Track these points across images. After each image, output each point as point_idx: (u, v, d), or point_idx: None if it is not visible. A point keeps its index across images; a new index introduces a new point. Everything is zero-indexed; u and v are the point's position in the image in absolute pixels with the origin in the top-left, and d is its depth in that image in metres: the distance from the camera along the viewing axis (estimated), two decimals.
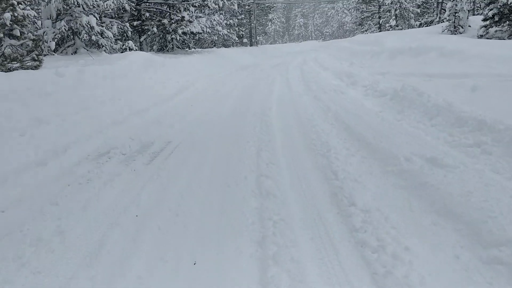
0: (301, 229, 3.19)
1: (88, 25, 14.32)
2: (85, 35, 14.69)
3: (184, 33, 22.36)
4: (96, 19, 14.85)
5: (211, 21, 26.22)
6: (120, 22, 17.42)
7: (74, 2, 13.80)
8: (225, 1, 26.23)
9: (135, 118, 7.96)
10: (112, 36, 15.59)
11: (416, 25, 30.81)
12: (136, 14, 21.54)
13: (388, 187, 3.85)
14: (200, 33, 23.21)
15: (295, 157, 5.12)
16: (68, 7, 14.21)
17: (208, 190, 4.19)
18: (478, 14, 25.15)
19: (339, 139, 5.71)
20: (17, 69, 9.14)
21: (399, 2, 31.64)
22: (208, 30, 24.16)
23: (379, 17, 39.23)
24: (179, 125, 7.37)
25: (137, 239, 3.20)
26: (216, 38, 31.24)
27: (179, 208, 3.74)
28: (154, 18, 22.44)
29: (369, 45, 19.75)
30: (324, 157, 4.91)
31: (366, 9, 42.74)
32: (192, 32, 22.47)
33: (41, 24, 14.58)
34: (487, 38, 15.06)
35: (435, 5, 32.82)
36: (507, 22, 14.81)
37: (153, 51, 22.98)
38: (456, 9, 17.26)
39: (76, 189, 4.37)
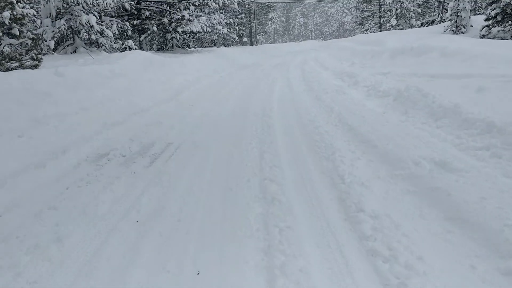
0: (308, 236, 3.07)
1: (88, 24, 14.20)
2: (85, 34, 14.57)
3: (184, 32, 22.23)
4: (96, 18, 14.73)
5: (211, 20, 26.10)
6: (120, 21, 17.30)
7: (73, 0, 13.68)
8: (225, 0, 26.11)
9: (135, 118, 7.84)
10: (112, 35, 15.47)
11: (418, 24, 30.70)
12: (136, 13, 21.41)
13: (397, 192, 3.73)
14: (200, 32, 23.09)
15: (298, 159, 5.00)
16: (67, 6, 14.08)
17: (210, 194, 4.07)
18: (479, 14, 25.05)
19: (344, 141, 5.59)
20: (15, 69, 9.02)
21: (400, 1, 31.54)
22: (208, 29, 24.04)
23: (380, 17, 39.12)
24: (180, 126, 7.25)
25: (137, 246, 3.08)
26: (216, 37, 31.15)
27: (180, 213, 3.63)
28: (154, 17, 22.31)
29: (370, 45, 19.64)
30: (329, 160, 4.80)
31: (367, 8, 42.62)
32: (192, 31, 22.34)
33: (41, 23, 14.48)
34: (490, 38, 14.95)
35: (436, 5, 32.72)
36: (510, 22, 14.69)
37: (153, 50, 22.85)
38: (458, 9, 17.15)
39: (75, 193, 4.25)
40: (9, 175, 4.54)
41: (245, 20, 42.56)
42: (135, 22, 21.29)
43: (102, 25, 15.27)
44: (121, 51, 16.05)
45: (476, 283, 2.47)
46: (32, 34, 10.47)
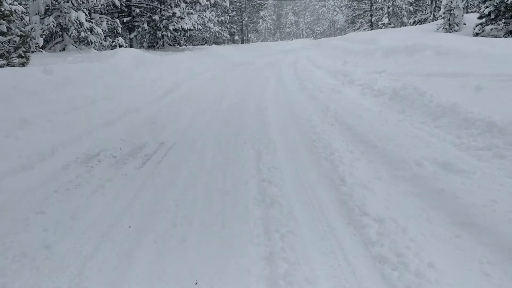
0: (311, 242, 2.91)
1: (77, 21, 13.94)
2: (74, 31, 14.31)
3: (175, 29, 22.00)
4: (86, 15, 14.48)
5: (202, 17, 25.89)
6: (110, 18, 17.03)
7: None
8: None
9: (126, 117, 7.64)
10: (102, 33, 15.23)
11: (410, 23, 30.72)
12: (126, 10, 21.13)
13: (399, 194, 3.60)
14: (192, 29, 22.88)
15: (297, 160, 4.86)
16: (56, 3, 13.82)
17: (207, 197, 3.90)
18: (470, 12, 25.10)
19: (342, 140, 5.45)
20: (3, 66, 8.78)
21: None
22: (199, 27, 23.84)
23: (371, 15, 39.14)
24: (172, 125, 7.07)
25: (131, 254, 2.91)
26: (208, 35, 30.92)
27: (175, 218, 3.46)
28: (144, 14, 22.06)
29: (363, 43, 19.56)
30: (327, 161, 4.65)
31: (358, 6, 42.63)
32: (183, 29, 22.13)
33: (29, 20, 14.17)
34: (483, 36, 14.93)
35: (427, 3, 32.78)
36: (503, 20, 14.68)
37: (143, 48, 22.58)
38: (451, 7, 17.13)
39: (64, 196, 4.06)
40: None
41: (236, 18, 42.36)
42: (125, 19, 21.02)
43: (92, 22, 15.02)
44: (111, 49, 15.80)
45: None
46: (20, 31, 10.24)
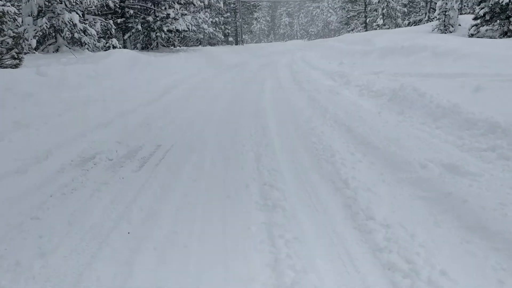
0: (317, 248, 2.82)
1: (71, 22, 13.79)
2: (68, 32, 14.16)
3: (169, 31, 21.87)
4: (79, 16, 14.33)
5: (196, 19, 25.77)
6: (104, 20, 16.88)
7: None
8: None
9: (122, 119, 7.52)
10: (96, 34, 15.10)
11: (405, 24, 30.79)
12: (120, 11, 20.98)
13: (405, 198, 3.51)
14: (186, 31, 22.76)
15: (297, 162, 4.76)
16: (49, 4, 13.68)
17: (207, 201, 3.80)
18: (465, 13, 25.17)
19: (342, 142, 5.37)
20: None
21: (386, 1, 31.56)
22: (193, 28, 23.72)
23: (366, 16, 39.18)
24: (169, 127, 6.96)
25: (131, 262, 2.80)
26: (202, 36, 30.80)
27: (175, 223, 3.35)
28: (138, 15, 21.91)
29: (358, 44, 19.54)
30: (329, 163, 4.57)
31: (352, 8, 42.67)
32: (177, 30, 22.00)
33: (22, 21, 14.00)
34: (478, 37, 14.95)
35: (421, 4, 32.89)
36: (498, 21, 14.70)
37: (137, 49, 22.43)
38: (446, 8, 17.14)
39: (60, 201, 3.94)
40: None
41: (230, 20, 42.29)
42: (119, 20, 20.86)
43: (85, 24, 14.87)
44: (105, 50, 15.65)
45: None
46: (13, 33, 10.08)
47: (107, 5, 16.81)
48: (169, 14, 21.31)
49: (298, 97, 9.56)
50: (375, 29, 32.61)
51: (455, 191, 3.31)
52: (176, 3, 22.10)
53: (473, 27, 15.56)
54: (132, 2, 21.91)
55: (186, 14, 23.05)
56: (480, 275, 2.44)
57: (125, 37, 21.92)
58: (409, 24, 29.83)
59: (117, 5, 19.01)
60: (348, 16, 44.51)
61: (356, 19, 42.64)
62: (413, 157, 4.20)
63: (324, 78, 12.72)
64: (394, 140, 5.03)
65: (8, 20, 10.23)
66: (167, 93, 10.88)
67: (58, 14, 13.74)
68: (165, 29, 21.47)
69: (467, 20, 17.58)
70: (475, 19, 15.53)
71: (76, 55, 12.69)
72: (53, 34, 14.46)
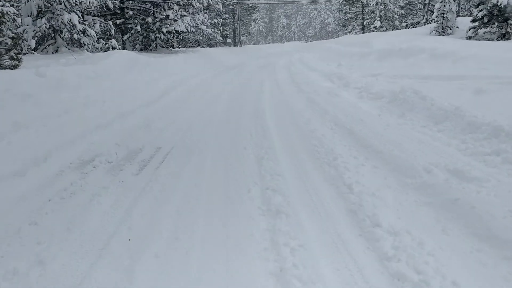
0: (323, 257, 2.75)
1: (70, 23, 13.71)
2: (67, 33, 14.07)
3: (168, 32, 21.80)
4: (78, 16, 14.24)
5: (195, 20, 25.73)
6: (103, 20, 16.80)
7: None
8: (209, 0, 25.78)
9: (121, 121, 7.44)
10: (95, 35, 15.01)
11: (402, 26, 30.79)
12: (119, 12, 20.90)
13: (411, 204, 3.45)
14: (185, 32, 22.70)
15: (299, 166, 4.70)
16: (49, 4, 13.58)
17: (209, 206, 3.73)
18: (462, 15, 25.20)
19: (344, 145, 5.31)
20: None
21: (384, 3, 31.57)
22: (192, 29, 23.66)
23: (363, 18, 39.18)
24: (169, 129, 6.89)
25: (132, 270, 2.73)
26: (201, 38, 30.74)
27: (177, 229, 3.28)
28: (137, 16, 21.83)
29: (356, 46, 19.50)
30: (331, 167, 4.51)
31: (349, 10, 42.65)
32: (176, 31, 21.94)
33: (21, 22, 13.93)
34: (476, 40, 14.94)
35: (418, 7, 32.91)
36: (496, 23, 14.69)
37: (136, 50, 22.33)
38: (444, 10, 17.14)
39: (59, 205, 3.87)
40: None
41: (229, 21, 42.22)
42: (118, 21, 20.77)
43: (85, 24, 14.79)
44: (104, 51, 15.57)
45: None
46: (12, 33, 9.99)
47: (107, 6, 16.72)
48: (168, 15, 21.24)
49: (297, 99, 9.51)
50: (373, 31, 32.60)
51: (462, 197, 3.25)
52: (175, 4, 22.03)
53: (471, 30, 15.56)
54: (132, 3, 21.83)
55: (185, 16, 22.99)
56: (493, 286, 2.37)
57: (124, 38, 21.83)
58: (406, 26, 29.82)
59: (116, 6, 18.92)
60: (346, 18, 44.51)
61: (354, 21, 42.63)
62: (417, 162, 4.15)
63: (323, 79, 12.68)
64: (396, 143, 4.98)
65: (7, 21, 10.15)
66: (166, 94, 10.80)
67: (58, 14, 13.65)
68: (164, 30, 21.40)
69: (465, 22, 17.58)
70: (473, 21, 15.53)
71: (76, 56, 12.60)
72: (53, 34, 14.37)
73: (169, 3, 21.68)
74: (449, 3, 17.13)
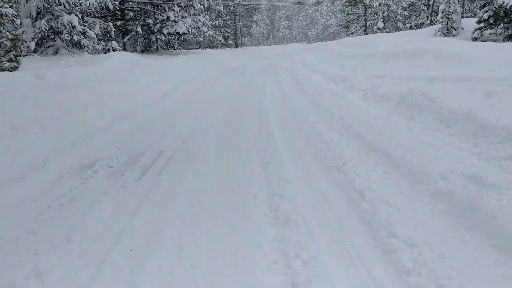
0: (338, 271, 2.58)
1: (70, 25, 13.58)
2: (67, 34, 13.93)
3: (169, 33, 21.67)
4: (78, 18, 14.11)
5: (196, 21, 25.60)
6: (103, 22, 16.67)
7: (55, 0, 13.04)
8: (210, 1, 25.65)
9: (122, 124, 7.29)
10: (95, 36, 14.88)
11: (407, 27, 30.61)
12: (119, 13, 20.77)
13: (427, 212, 3.28)
14: (186, 33, 22.58)
15: (306, 172, 4.53)
16: (48, 6, 13.45)
17: (214, 214, 3.57)
18: (466, 17, 25.03)
19: (352, 149, 5.15)
20: None
21: (387, 4, 31.42)
22: (193, 30, 23.52)
23: (365, 20, 39.00)
24: (171, 132, 6.74)
25: (134, 283, 2.57)
26: (202, 39, 30.61)
27: (181, 239, 3.12)
28: (138, 18, 21.71)
29: (360, 47, 19.33)
30: (340, 172, 4.34)
31: (352, 11, 42.46)
32: (177, 33, 21.81)
33: (20, 23, 13.78)
34: (482, 41, 14.76)
35: (421, 8, 32.75)
36: (502, 24, 14.51)
37: (137, 51, 22.21)
38: (449, 11, 16.95)
39: (58, 213, 3.71)
40: None
41: (230, 22, 42.10)
42: (118, 23, 20.65)
43: (85, 26, 14.66)
44: (105, 53, 15.42)
45: None
46: (11, 35, 9.84)
47: (107, 7, 16.57)
48: (169, 16, 21.11)
49: (300, 101, 9.35)
50: (376, 32, 32.41)
51: (482, 206, 3.07)
52: (176, 5, 21.91)
53: (477, 31, 15.36)
54: (132, 5, 21.70)
55: (186, 17, 22.87)
56: None
57: (125, 39, 21.70)
58: (410, 28, 29.65)
59: (116, 7, 18.79)
60: (348, 19, 44.29)
61: (356, 23, 42.41)
62: (431, 167, 3.98)
63: (326, 81, 12.52)
64: (407, 147, 4.81)
65: (6, 22, 9.99)
66: (167, 96, 10.66)
67: (57, 16, 13.52)
68: (165, 31, 21.27)
69: (470, 23, 17.39)
70: (478, 22, 15.34)
71: (76, 58, 12.46)
72: (52, 36, 14.24)
73: (170, 5, 21.55)
74: (454, 4, 16.94)
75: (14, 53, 9.29)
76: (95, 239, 3.18)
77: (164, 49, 23.32)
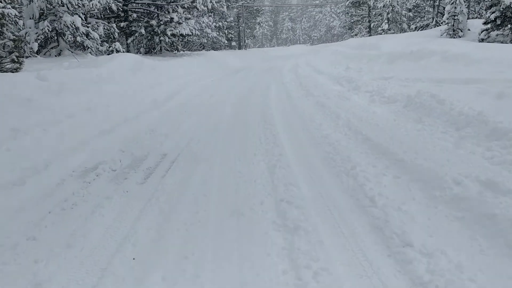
0: (351, 283, 2.45)
1: (73, 26, 13.51)
2: (70, 36, 13.87)
3: (173, 35, 21.60)
4: (81, 19, 14.05)
5: (200, 23, 25.55)
6: (107, 23, 16.61)
7: (58, 1, 12.98)
8: (214, 2, 25.59)
9: (125, 126, 7.19)
10: (98, 37, 14.81)
11: (412, 28, 30.44)
12: (123, 15, 20.71)
13: (441, 219, 3.15)
14: (189, 35, 22.50)
15: (314, 176, 4.41)
16: (51, 7, 13.39)
17: (219, 220, 3.45)
18: (472, 18, 24.86)
19: (360, 152, 5.02)
20: None
21: (391, 5, 31.25)
22: (197, 32, 23.45)
23: (370, 21, 38.83)
24: (174, 135, 6.63)
25: None
26: (205, 41, 30.56)
27: (185, 247, 3.00)
28: (142, 19, 21.66)
29: (365, 49, 19.18)
30: (349, 176, 4.22)
31: (356, 12, 42.29)
32: (181, 34, 21.74)
33: (23, 24, 13.72)
34: (489, 42, 14.61)
35: (426, 9, 32.58)
36: (510, 25, 14.36)
37: (141, 53, 22.15)
38: (455, 12, 16.81)
39: (59, 218, 3.61)
40: None
41: (233, 24, 42.04)
42: (122, 24, 20.60)
43: (88, 27, 14.59)
44: (108, 54, 15.35)
45: None
46: (14, 36, 9.77)
47: (110, 9, 16.50)
48: (172, 18, 21.05)
49: (306, 103, 9.23)
50: (380, 34, 32.23)
51: (500, 213, 2.94)
52: (179, 7, 21.84)
53: (484, 32, 15.21)
54: (136, 6, 21.65)
55: (189, 18, 22.80)
56: None
57: (129, 41, 21.65)
58: (416, 29, 29.47)
59: (120, 8, 18.72)
60: (352, 20, 44.09)
61: (360, 24, 42.23)
62: (444, 171, 3.84)
63: (331, 83, 12.39)
64: (418, 151, 4.67)
65: (9, 23, 9.92)
66: (171, 98, 10.56)
67: (60, 17, 13.46)
68: (168, 33, 21.19)
69: (476, 24, 17.24)
70: (485, 23, 15.19)
71: (79, 59, 12.39)
72: (55, 37, 14.18)
73: (173, 6, 21.49)
74: (460, 5, 16.80)
75: (17, 54, 9.21)
76: (97, 246, 3.07)
77: (168, 50, 23.26)
